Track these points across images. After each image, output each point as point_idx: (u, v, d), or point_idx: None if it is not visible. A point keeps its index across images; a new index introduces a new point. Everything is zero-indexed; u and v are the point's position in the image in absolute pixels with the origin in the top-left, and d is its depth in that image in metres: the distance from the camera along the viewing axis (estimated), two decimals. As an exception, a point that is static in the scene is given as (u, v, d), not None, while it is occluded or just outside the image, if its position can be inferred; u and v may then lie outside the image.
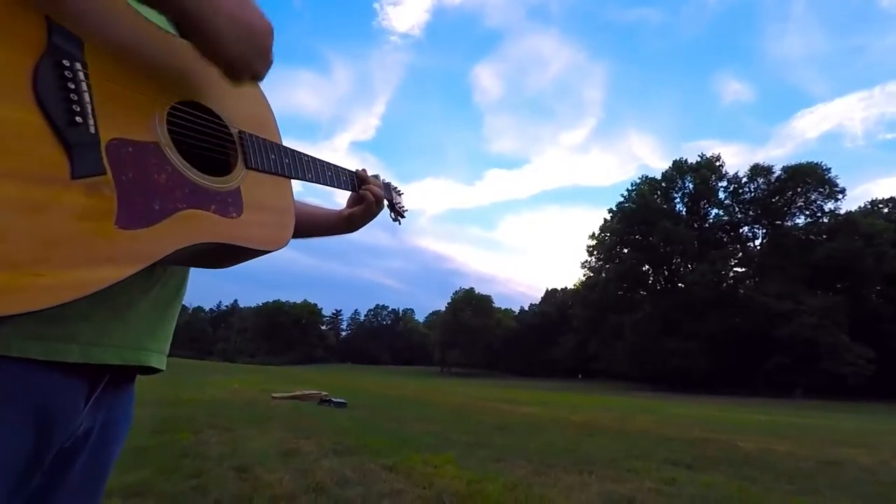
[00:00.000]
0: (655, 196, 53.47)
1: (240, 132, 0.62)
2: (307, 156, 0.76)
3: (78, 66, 0.44)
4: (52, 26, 0.42)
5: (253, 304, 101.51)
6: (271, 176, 0.66)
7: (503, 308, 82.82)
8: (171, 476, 3.22)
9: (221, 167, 0.59)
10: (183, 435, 4.69)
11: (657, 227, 49.15)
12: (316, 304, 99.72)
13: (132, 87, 0.49)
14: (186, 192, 0.52)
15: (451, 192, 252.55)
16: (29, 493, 0.50)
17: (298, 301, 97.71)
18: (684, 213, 53.60)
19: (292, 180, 0.72)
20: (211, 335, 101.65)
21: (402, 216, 1.10)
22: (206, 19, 0.49)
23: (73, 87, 0.43)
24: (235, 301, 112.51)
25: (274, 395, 9.28)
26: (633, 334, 47.53)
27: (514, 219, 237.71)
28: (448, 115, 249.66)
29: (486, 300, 75.96)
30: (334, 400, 8.79)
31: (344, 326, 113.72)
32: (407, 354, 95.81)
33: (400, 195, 1.11)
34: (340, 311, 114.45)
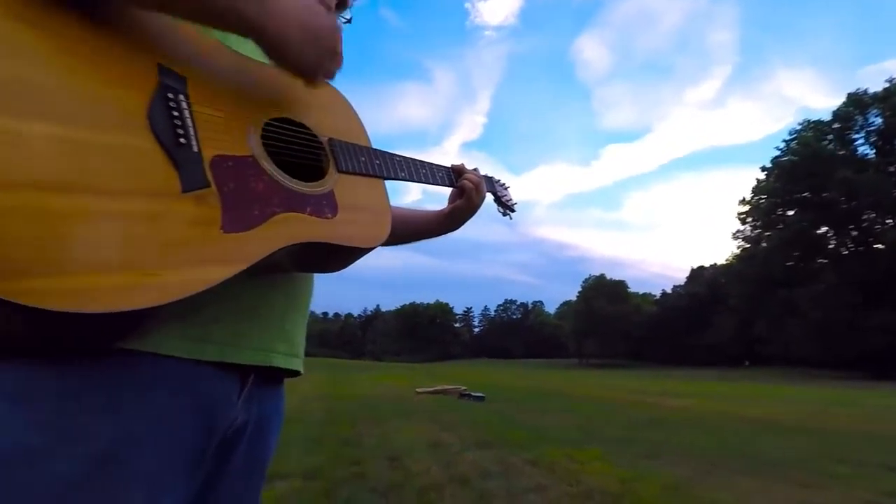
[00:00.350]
0: (825, 142, 43.59)
1: (329, 139, 0.66)
2: (399, 156, 0.79)
3: (182, 97, 0.50)
4: (161, 69, 0.50)
5: (393, 308, 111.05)
6: (364, 178, 0.69)
7: (640, 293, 76.37)
8: (338, 463, 3.63)
9: (315, 174, 0.63)
10: (345, 427, 5.29)
11: (834, 178, 39.90)
12: (447, 304, 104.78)
13: (229, 110, 0.55)
14: (282, 197, 0.56)
15: (566, 176, 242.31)
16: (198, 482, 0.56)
17: (432, 302, 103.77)
18: (873, 155, 42.69)
19: (387, 180, 0.74)
20: (361, 337, 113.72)
21: (512, 210, 1.10)
22: (278, 32, 0.53)
23: (177, 114, 0.49)
24: (378, 306, 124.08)
25: (418, 390, 9.94)
26: (815, 310, 39.39)
27: (641, 195, 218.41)
28: (554, 98, 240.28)
29: (620, 285, 70.76)
30: (473, 394, 9.05)
31: (476, 323, 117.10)
32: (540, 347, 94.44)
33: (506, 189, 1.11)
34: (471, 308, 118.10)
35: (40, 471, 0.42)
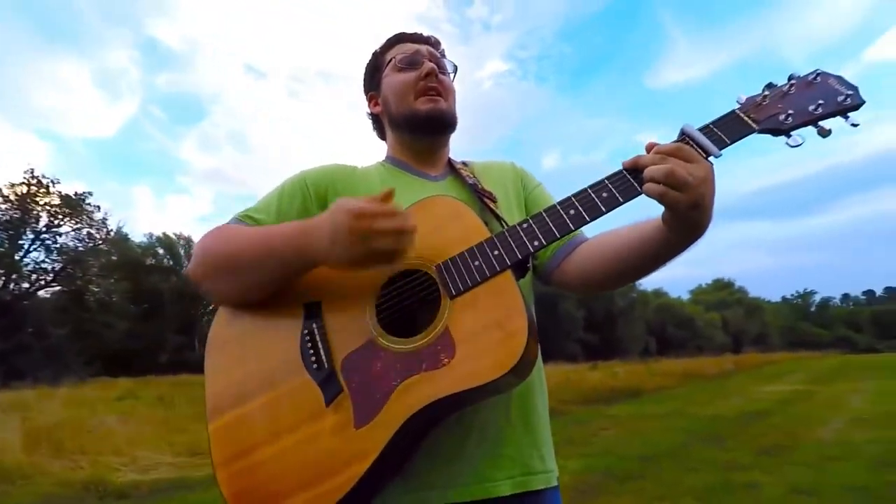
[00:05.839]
0: None
1: (438, 267, 0.66)
2: (535, 217, 0.67)
3: (315, 326, 0.65)
4: (304, 306, 0.66)
5: None
6: (484, 284, 0.63)
7: None
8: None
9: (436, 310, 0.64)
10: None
11: None
12: None
13: (348, 307, 0.66)
14: (398, 367, 0.61)
15: None
16: None
17: None
18: None
19: (516, 265, 0.65)
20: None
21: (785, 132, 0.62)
22: (321, 259, 0.64)
23: (311, 346, 0.64)
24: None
25: None
26: None
27: None
28: None
29: None
30: None
31: None
32: None
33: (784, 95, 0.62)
34: None
35: None
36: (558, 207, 0.66)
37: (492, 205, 0.80)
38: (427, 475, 0.67)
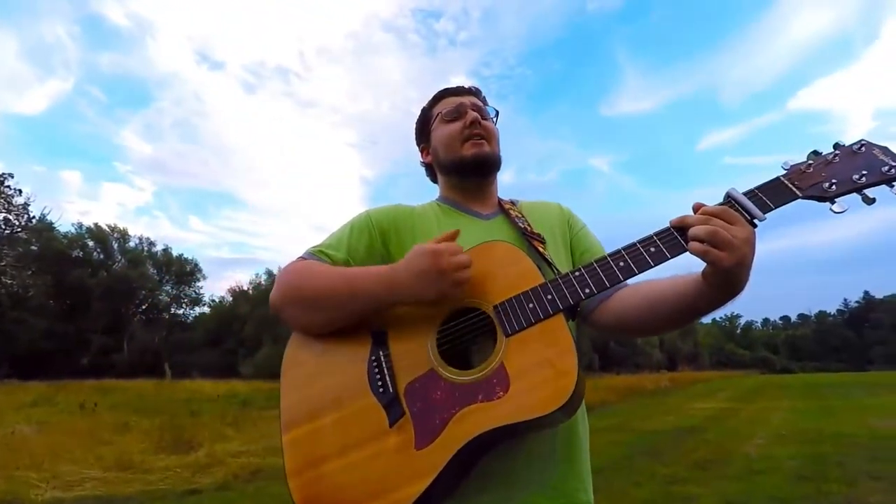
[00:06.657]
0: None
1: (495, 307, 0.70)
2: (583, 267, 0.71)
3: (381, 353, 0.71)
4: (372, 334, 0.70)
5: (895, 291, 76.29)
6: (538, 325, 0.67)
7: None
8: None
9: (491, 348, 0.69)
10: (832, 486, 4.02)
11: None
12: None
13: (412, 338, 0.71)
14: (457, 395, 0.65)
15: None
16: None
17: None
18: None
19: (569, 308, 0.69)
20: (854, 340, 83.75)
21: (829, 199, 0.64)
22: (401, 296, 0.71)
23: (378, 371, 0.70)
24: (866, 293, 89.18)
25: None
26: None
27: None
28: None
29: None
30: None
31: None
32: None
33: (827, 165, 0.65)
34: None
35: None
36: (609, 259, 0.70)
37: (540, 247, 0.84)
38: (479, 497, 0.70)
